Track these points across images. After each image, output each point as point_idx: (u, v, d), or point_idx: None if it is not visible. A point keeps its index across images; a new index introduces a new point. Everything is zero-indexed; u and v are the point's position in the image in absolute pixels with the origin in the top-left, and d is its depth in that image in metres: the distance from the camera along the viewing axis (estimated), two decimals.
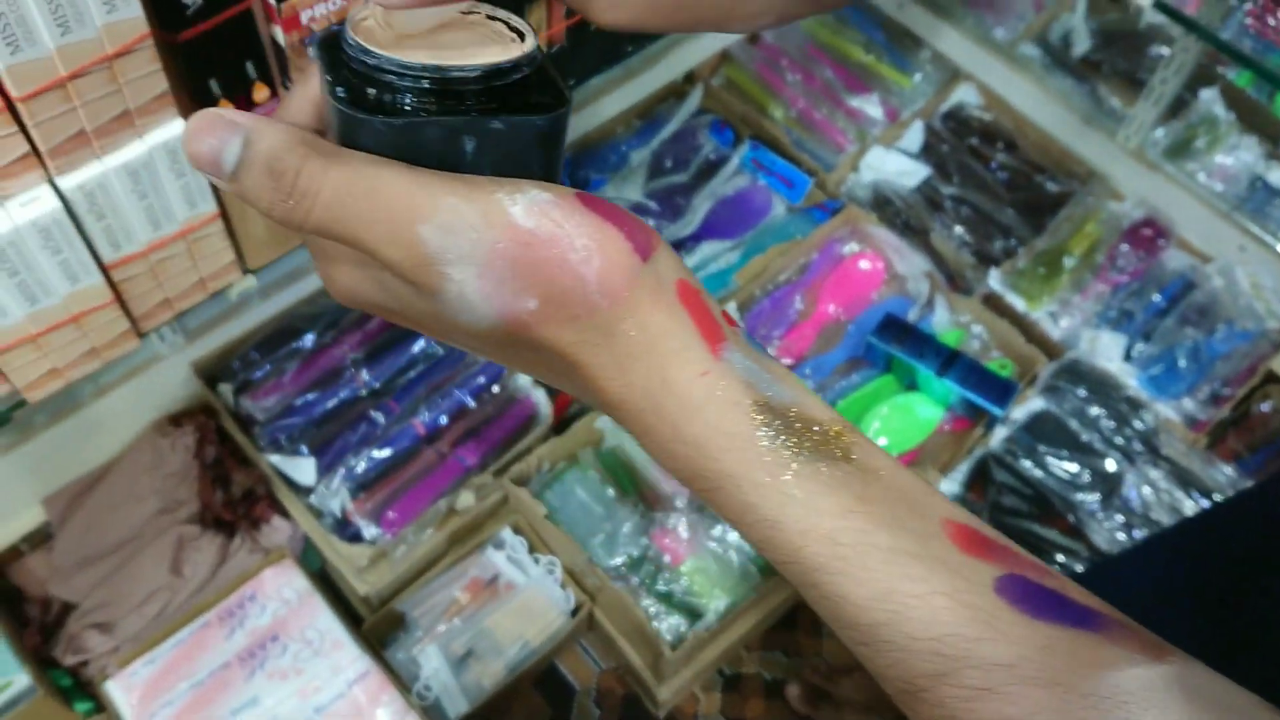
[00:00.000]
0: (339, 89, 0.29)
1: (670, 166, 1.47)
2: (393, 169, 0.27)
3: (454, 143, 0.28)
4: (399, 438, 1.25)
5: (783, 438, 0.26)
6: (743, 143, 1.46)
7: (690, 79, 1.49)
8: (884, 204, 1.46)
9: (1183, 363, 1.36)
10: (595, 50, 0.88)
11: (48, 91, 0.56)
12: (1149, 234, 1.42)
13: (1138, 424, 1.31)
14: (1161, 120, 1.37)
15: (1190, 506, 1.25)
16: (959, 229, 1.44)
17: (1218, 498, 1.25)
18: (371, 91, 0.29)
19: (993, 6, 1.53)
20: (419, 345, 1.30)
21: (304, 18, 0.67)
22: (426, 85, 0.28)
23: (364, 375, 1.28)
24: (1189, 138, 1.39)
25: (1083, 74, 1.48)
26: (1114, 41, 1.50)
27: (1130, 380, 1.34)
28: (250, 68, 0.66)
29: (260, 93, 0.68)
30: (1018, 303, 1.38)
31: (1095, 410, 1.31)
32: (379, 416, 1.26)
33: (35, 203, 0.60)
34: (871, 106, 1.49)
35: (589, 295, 0.26)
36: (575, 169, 1.46)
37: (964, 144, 1.50)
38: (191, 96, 0.65)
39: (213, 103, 0.66)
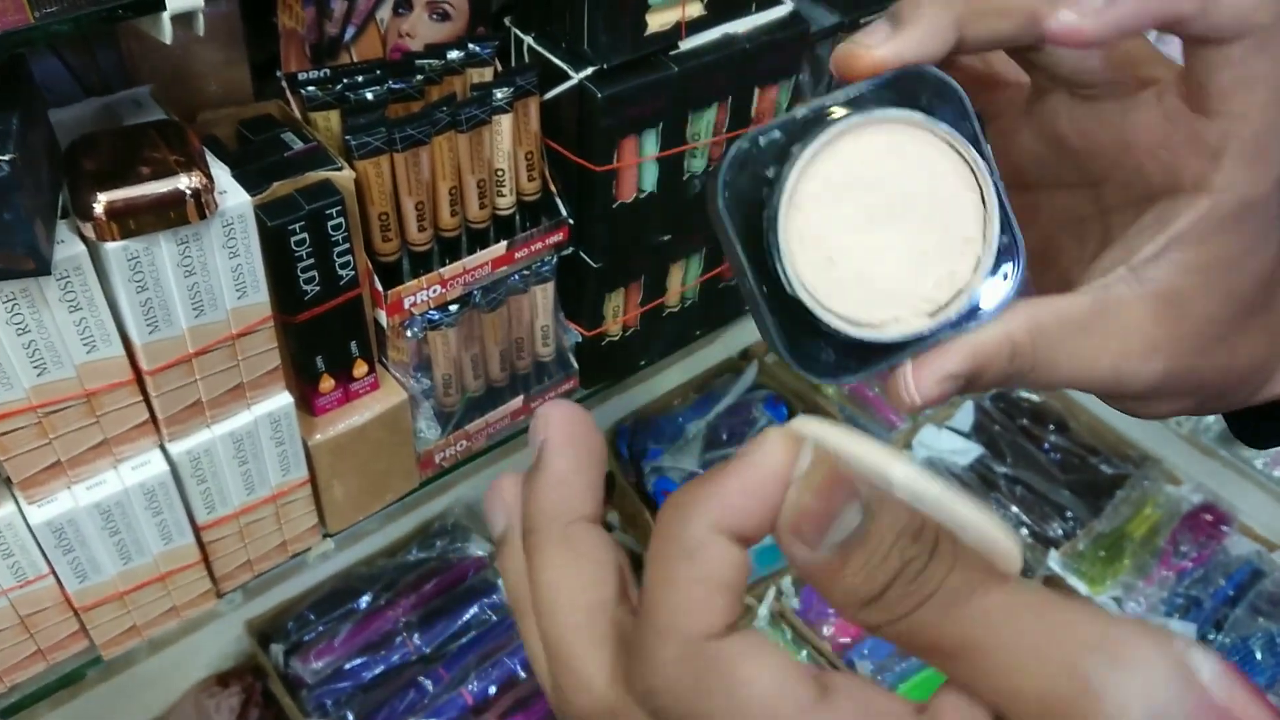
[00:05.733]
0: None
1: (726, 438, 1.50)
2: (1044, 591, 0.21)
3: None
4: (446, 708, 1.22)
5: None
6: (796, 417, 1.50)
7: (746, 356, 1.56)
8: None
9: (1259, 655, 1.31)
10: (668, 335, 0.94)
11: (175, 366, 0.60)
12: (1210, 519, 1.41)
13: None
14: None
15: None
16: (1015, 509, 1.44)
17: None
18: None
19: None
20: (472, 611, 1.29)
21: (407, 303, 0.73)
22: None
23: (415, 640, 1.27)
24: None
25: None
26: None
27: None
28: (353, 346, 0.72)
29: (360, 369, 0.73)
30: (1080, 586, 1.35)
31: None
32: (428, 684, 1.24)
33: (145, 466, 0.63)
34: None
35: None
36: (633, 438, 1.51)
37: (1015, 424, 1.52)
38: (297, 371, 0.70)
39: (316, 377, 0.71)
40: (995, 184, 0.27)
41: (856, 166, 0.26)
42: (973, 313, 0.27)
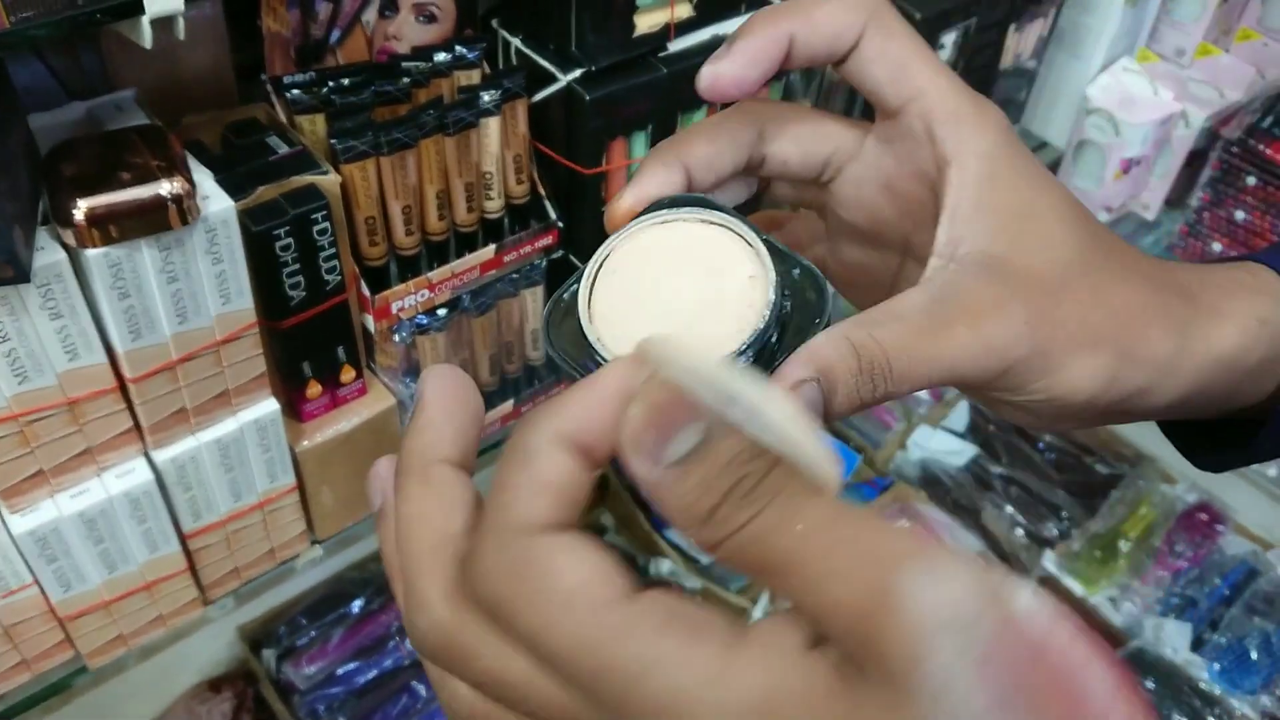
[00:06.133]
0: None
1: None
2: (868, 512, 0.21)
3: None
4: (439, 713, 1.21)
5: None
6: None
7: None
8: (933, 482, 1.46)
9: (1254, 654, 1.30)
10: None
11: (159, 374, 0.60)
12: (1205, 519, 1.41)
13: None
14: None
15: None
16: (1009, 509, 1.43)
17: None
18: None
19: None
20: None
21: (394, 307, 0.72)
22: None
23: (408, 644, 1.26)
24: None
25: None
26: None
27: (1201, 672, 1.28)
28: (341, 351, 0.71)
29: (347, 374, 0.72)
30: (1075, 586, 1.35)
31: (1166, 705, 1.25)
32: (420, 689, 1.23)
33: (130, 475, 0.63)
34: None
35: None
36: None
37: (1010, 424, 1.52)
38: (284, 377, 0.70)
39: (303, 383, 0.70)
40: (753, 230, 0.30)
41: (630, 274, 0.30)
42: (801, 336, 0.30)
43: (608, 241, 0.31)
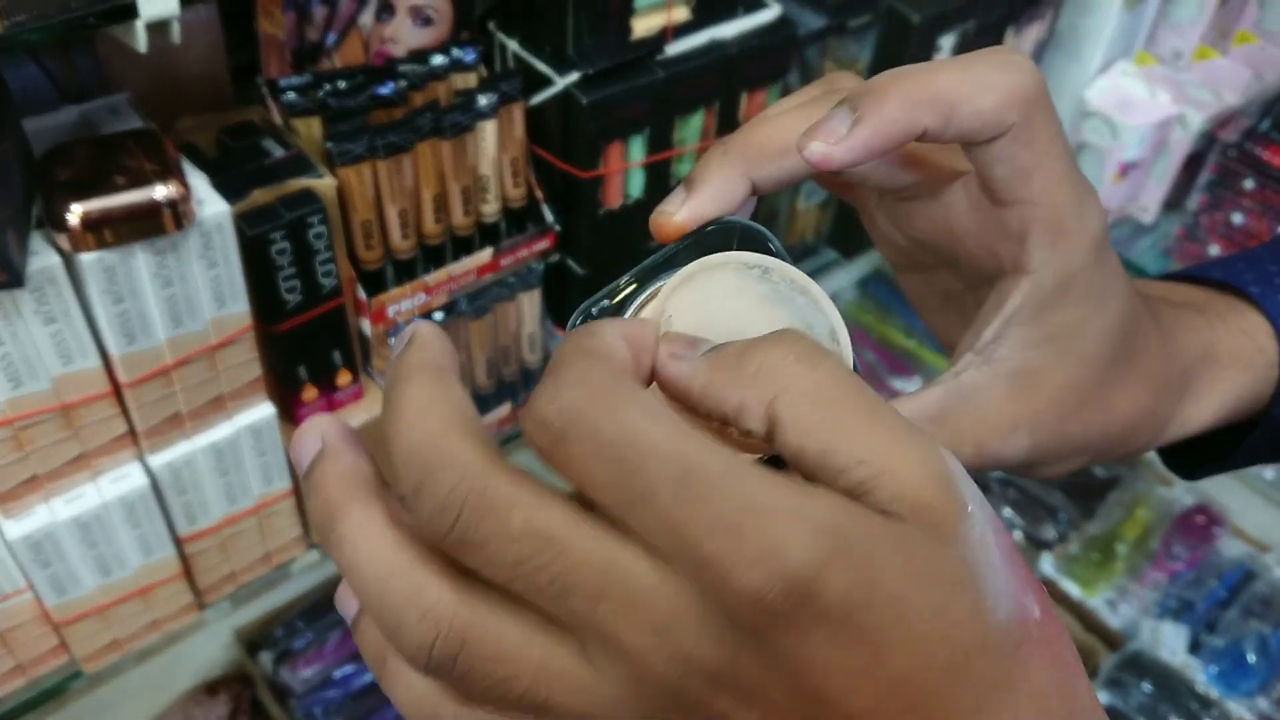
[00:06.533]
0: None
1: None
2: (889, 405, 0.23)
3: None
4: None
5: None
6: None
7: None
8: None
9: (1252, 657, 1.30)
10: None
11: (153, 378, 0.60)
12: (1202, 521, 1.41)
13: None
14: None
15: None
16: (1007, 510, 1.43)
17: None
18: None
19: None
20: None
21: (390, 311, 0.72)
22: None
23: None
24: None
25: None
26: None
27: (1198, 675, 1.28)
28: (336, 355, 0.71)
29: (343, 378, 0.72)
30: (1072, 589, 1.35)
31: (1164, 708, 1.25)
32: None
33: (125, 479, 0.62)
34: (913, 387, 1.53)
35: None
36: None
37: None
38: (279, 381, 0.69)
39: (298, 387, 0.70)
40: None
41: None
42: None
43: (663, 273, 0.29)
